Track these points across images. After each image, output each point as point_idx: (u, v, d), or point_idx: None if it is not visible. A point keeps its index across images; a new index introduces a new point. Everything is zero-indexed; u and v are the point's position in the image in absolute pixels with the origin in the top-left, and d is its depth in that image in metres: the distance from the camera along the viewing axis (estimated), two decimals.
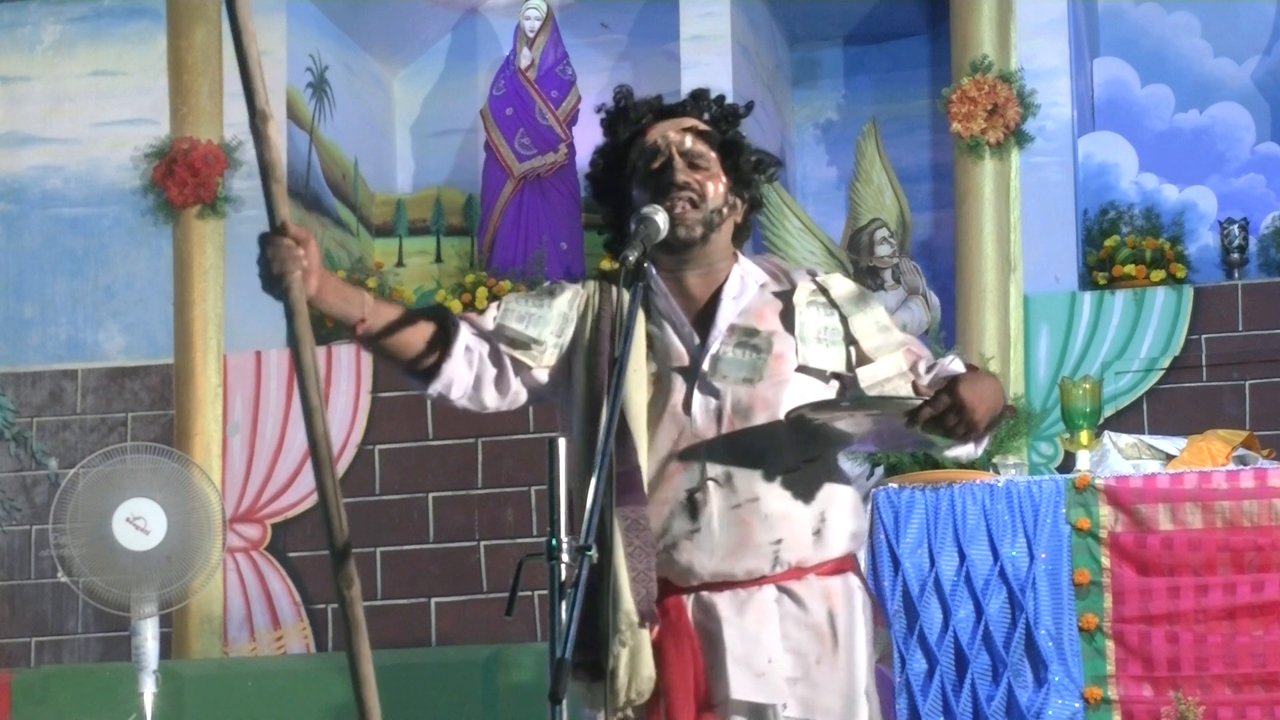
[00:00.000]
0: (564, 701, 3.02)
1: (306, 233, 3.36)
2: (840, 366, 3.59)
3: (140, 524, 7.30)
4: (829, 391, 3.57)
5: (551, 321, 3.55)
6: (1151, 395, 8.73)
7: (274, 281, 3.31)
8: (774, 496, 3.50)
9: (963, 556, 6.11)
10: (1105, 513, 6.09)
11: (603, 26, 10.35)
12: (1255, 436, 6.61)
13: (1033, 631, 6.04)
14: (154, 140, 9.57)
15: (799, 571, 3.52)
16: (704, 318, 3.58)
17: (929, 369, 3.62)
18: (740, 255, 3.67)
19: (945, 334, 8.83)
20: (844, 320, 3.59)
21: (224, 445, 9.30)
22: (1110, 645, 6.05)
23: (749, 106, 3.69)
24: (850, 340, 3.59)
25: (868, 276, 9.69)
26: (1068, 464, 7.34)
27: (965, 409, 3.37)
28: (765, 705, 3.47)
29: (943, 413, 3.37)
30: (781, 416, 3.50)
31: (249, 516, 9.25)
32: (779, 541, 3.49)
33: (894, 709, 6.03)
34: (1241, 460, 6.29)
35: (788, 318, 3.57)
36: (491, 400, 3.55)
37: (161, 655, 7.39)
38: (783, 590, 3.52)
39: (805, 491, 3.53)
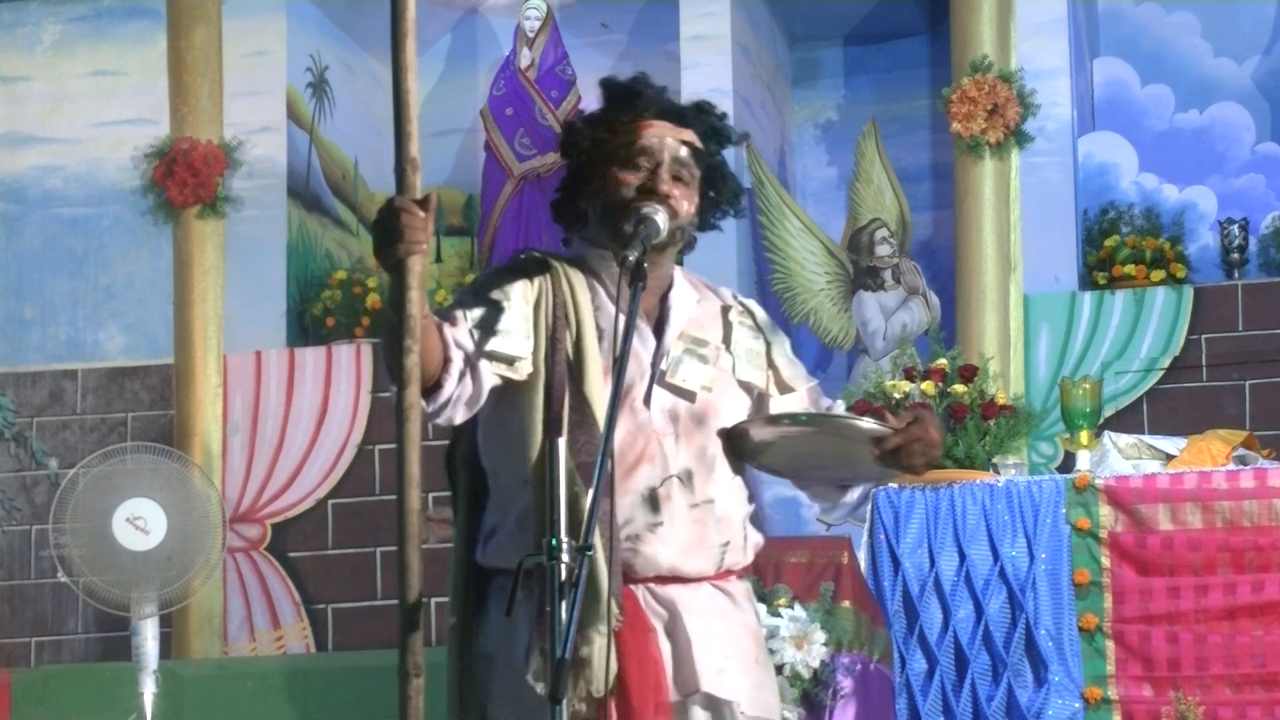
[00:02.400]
0: (564, 701, 3.02)
1: (430, 202, 3.22)
2: (764, 387, 3.66)
3: (140, 524, 7.30)
4: (746, 409, 3.63)
5: (519, 330, 3.49)
6: (1151, 395, 8.73)
7: (395, 253, 3.16)
8: (724, 500, 3.55)
9: (963, 556, 6.12)
10: (1105, 513, 6.09)
11: (603, 26, 10.35)
12: (1255, 436, 6.62)
13: (1033, 631, 6.04)
14: (154, 140, 9.57)
15: (728, 573, 3.58)
16: (654, 318, 3.59)
17: (827, 409, 3.70)
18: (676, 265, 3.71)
19: (945, 334, 8.82)
20: (767, 346, 3.67)
21: (224, 445, 9.29)
22: (1110, 645, 6.05)
23: (743, 137, 3.71)
24: (771, 366, 3.67)
25: (867, 276, 9.70)
26: (1068, 464, 7.34)
27: (933, 444, 3.49)
28: (725, 701, 3.50)
29: (911, 443, 3.46)
30: (720, 423, 3.55)
31: (249, 516, 9.25)
32: (726, 543, 3.54)
33: (894, 709, 6.04)
34: (1241, 460, 6.29)
35: (727, 334, 3.63)
36: (460, 418, 3.49)
37: (161, 655, 7.39)
38: (719, 589, 3.56)
39: (741, 498, 3.60)
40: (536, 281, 3.52)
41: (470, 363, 3.42)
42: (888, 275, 9.67)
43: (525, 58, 10.15)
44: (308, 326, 9.55)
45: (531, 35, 10.16)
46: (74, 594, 7.82)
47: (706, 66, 9.21)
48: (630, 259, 3.37)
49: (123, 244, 9.59)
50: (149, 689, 7.19)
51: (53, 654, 9.21)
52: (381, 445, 9.14)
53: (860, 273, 9.74)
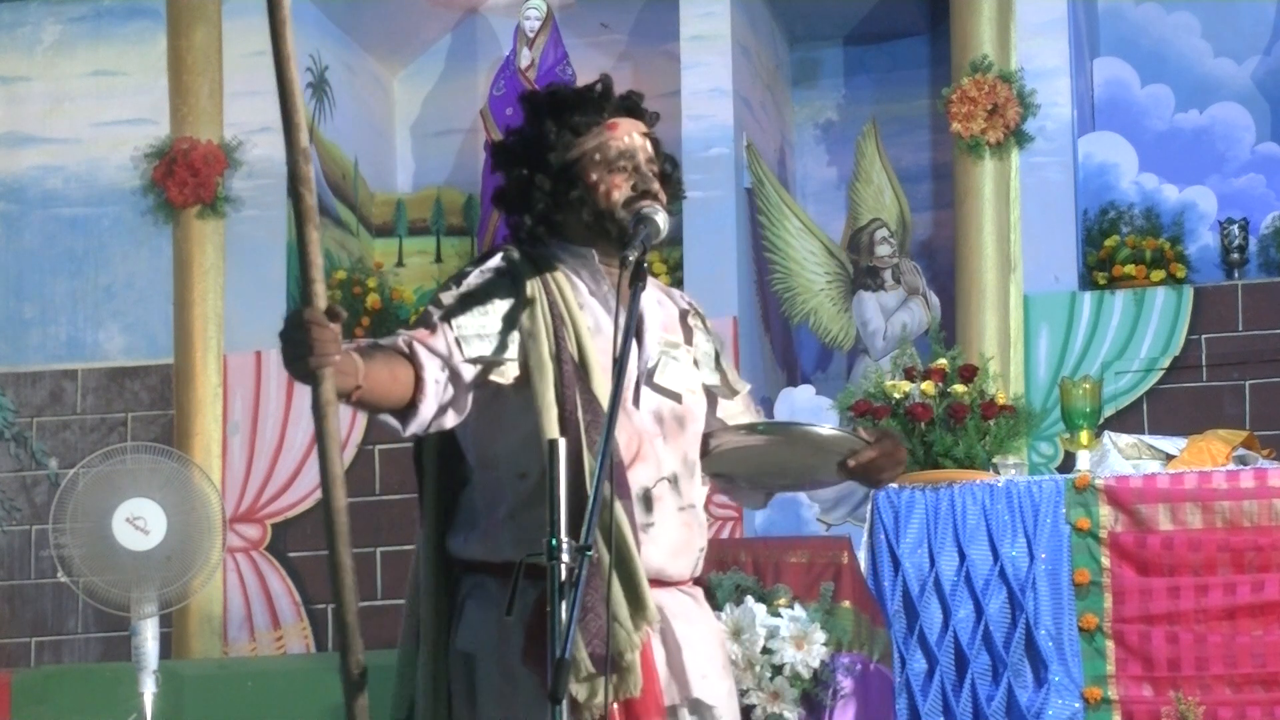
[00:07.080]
0: (564, 701, 3.02)
1: (337, 311, 3.21)
2: (716, 390, 3.67)
3: (140, 524, 7.30)
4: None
5: (505, 333, 3.45)
6: (1151, 395, 8.73)
7: (305, 367, 3.15)
8: (701, 505, 3.57)
9: (963, 556, 6.12)
10: (1105, 513, 6.09)
11: (603, 26, 10.35)
12: (1255, 436, 6.62)
13: (1033, 631, 6.05)
14: (154, 140, 9.57)
15: (694, 579, 3.58)
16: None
17: (760, 414, 3.77)
18: None
19: (945, 334, 8.82)
20: (717, 349, 3.68)
21: (224, 445, 9.30)
22: (1110, 645, 6.05)
23: (654, 117, 3.68)
24: (719, 368, 3.67)
25: (867, 276, 9.70)
26: (1068, 464, 7.34)
27: (902, 462, 3.58)
28: (709, 706, 3.49)
29: (883, 458, 3.53)
30: (697, 429, 3.55)
31: (249, 516, 9.25)
32: (702, 549, 3.56)
33: (894, 709, 6.04)
34: (1241, 460, 6.29)
35: (688, 336, 3.63)
36: (450, 424, 3.47)
37: (161, 655, 7.39)
38: (687, 594, 3.55)
39: (704, 505, 3.62)
40: (529, 284, 3.48)
41: (452, 370, 3.39)
42: (888, 275, 9.67)
43: (525, 58, 10.15)
44: None
45: (531, 35, 10.16)
46: (74, 594, 7.82)
47: (706, 66, 9.20)
48: (631, 259, 3.38)
49: (123, 244, 9.59)
50: (149, 689, 7.18)
51: (53, 654, 9.21)
52: (381, 445, 9.15)
53: (860, 273, 9.74)
